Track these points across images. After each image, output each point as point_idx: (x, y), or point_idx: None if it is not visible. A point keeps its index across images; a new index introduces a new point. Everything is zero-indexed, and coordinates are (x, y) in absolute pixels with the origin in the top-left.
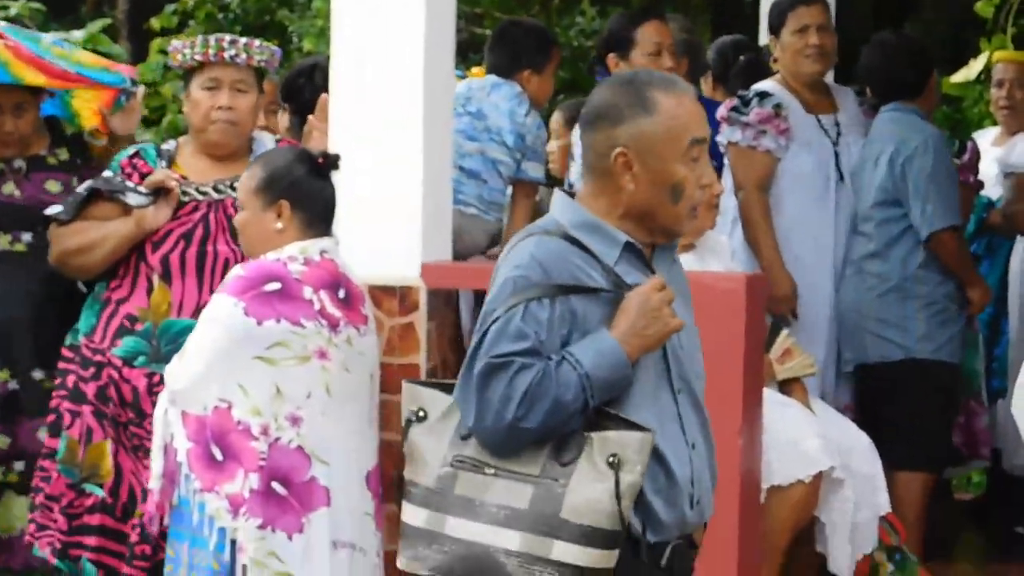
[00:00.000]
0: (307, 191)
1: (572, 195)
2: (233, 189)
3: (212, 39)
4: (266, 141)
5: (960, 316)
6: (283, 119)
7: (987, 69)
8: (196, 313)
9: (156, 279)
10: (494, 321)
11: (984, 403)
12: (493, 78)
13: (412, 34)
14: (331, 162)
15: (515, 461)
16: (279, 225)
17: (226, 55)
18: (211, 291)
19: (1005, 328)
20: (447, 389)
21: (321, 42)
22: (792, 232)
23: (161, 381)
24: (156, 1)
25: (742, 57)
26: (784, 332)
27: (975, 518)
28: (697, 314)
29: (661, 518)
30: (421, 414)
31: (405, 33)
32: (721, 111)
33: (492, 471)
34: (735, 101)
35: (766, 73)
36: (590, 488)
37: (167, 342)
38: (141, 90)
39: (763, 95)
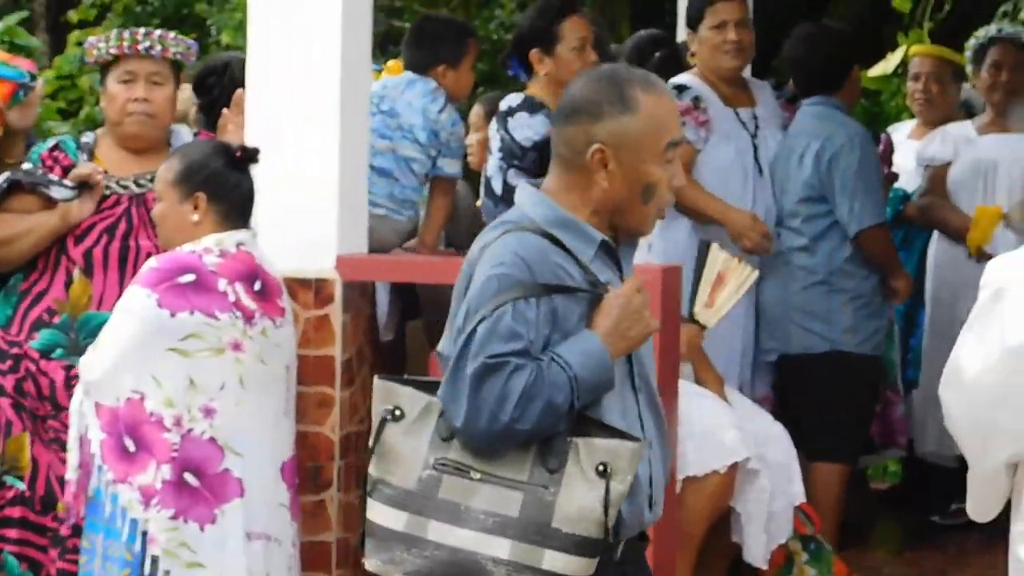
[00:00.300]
0: (224, 184)
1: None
2: (153, 183)
3: (127, 32)
4: (184, 134)
5: (884, 308)
6: (192, 113)
7: (904, 63)
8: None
9: (77, 272)
10: (481, 320)
11: (900, 393)
12: (408, 75)
13: (328, 27)
14: (249, 155)
15: (500, 466)
16: (195, 217)
17: (140, 47)
18: None
19: (921, 320)
20: (422, 387)
21: (239, 35)
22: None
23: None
24: None
25: (658, 53)
26: (714, 247)
27: (891, 507)
28: None
29: (624, 518)
30: (397, 413)
31: (321, 26)
32: None
33: (478, 476)
34: None
35: (682, 68)
36: (581, 497)
37: (86, 335)
38: (40, 84)
39: (681, 88)
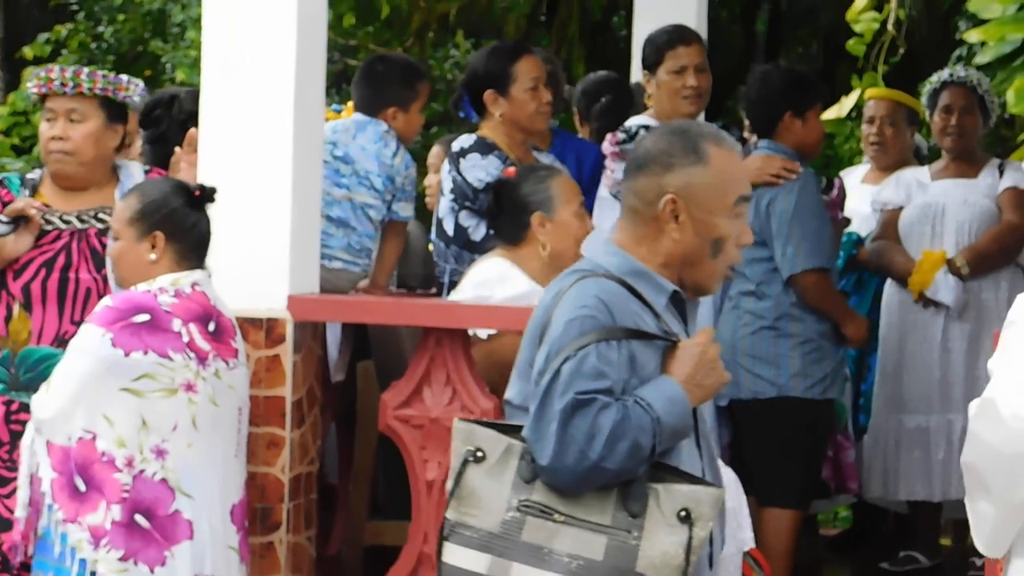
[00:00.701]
0: (182, 223)
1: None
2: (96, 219)
3: (43, 71)
4: (133, 170)
5: (836, 352)
6: (137, 146)
7: (859, 106)
8: (56, 341)
9: (17, 307)
10: (565, 360)
11: (851, 437)
12: (358, 117)
13: (282, 67)
14: (207, 194)
15: (583, 509)
16: (153, 256)
17: (54, 85)
18: (72, 320)
19: (872, 364)
20: (503, 429)
21: (194, 72)
22: None
23: (20, 409)
24: (29, 30)
25: (604, 97)
26: None
27: (840, 553)
28: None
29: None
30: (480, 454)
31: (275, 65)
32: (607, 148)
33: (561, 518)
34: (620, 135)
35: (629, 110)
36: (664, 542)
37: (26, 370)
38: None
39: (648, 128)
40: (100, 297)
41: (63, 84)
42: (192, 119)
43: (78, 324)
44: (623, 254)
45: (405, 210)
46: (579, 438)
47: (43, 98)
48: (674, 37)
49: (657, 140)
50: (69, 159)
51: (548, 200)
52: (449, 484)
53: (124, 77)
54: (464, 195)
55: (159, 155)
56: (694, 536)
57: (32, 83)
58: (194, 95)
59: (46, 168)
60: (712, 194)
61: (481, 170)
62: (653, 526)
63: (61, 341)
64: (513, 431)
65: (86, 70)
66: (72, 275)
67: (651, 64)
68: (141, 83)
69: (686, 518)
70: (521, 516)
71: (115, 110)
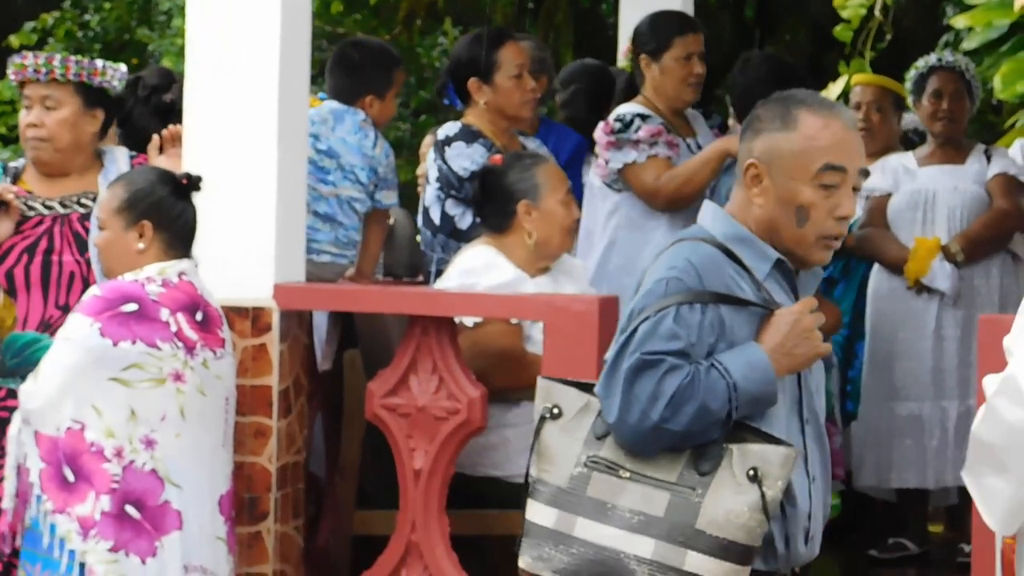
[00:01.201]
0: (169, 212)
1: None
2: (79, 204)
3: (19, 58)
4: (118, 155)
5: None
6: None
7: (846, 93)
8: (40, 326)
9: (1, 294)
10: (644, 319)
11: (838, 425)
12: (334, 106)
13: (267, 54)
14: (193, 183)
15: (652, 466)
16: (140, 246)
17: (28, 72)
18: (57, 303)
19: (860, 351)
20: (582, 388)
21: (180, 60)
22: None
23: (8, 395)
24: (16, 18)
25: (573, 86)
26: None
27: (828, 541)
28: (551, 335)
29: (776, 547)
30: (556, 411)
31: (260, 53)
32: (601, 137)
33: (627, 474)
34: (615, 124)
35: (598, 101)
36: (729, 500)
37: (12, 355)
38: None
39: (644, 116)
40: (84, 280)
41: (36, 71)
42: (156, 93)
43: (63, 308)
44: (730, 220)
45: (388, 198)
46: (642, 398)
47: (21, 85)
48: (684, 24)
49: (759, 107)
50: (45, 145)
51: (534, 188)
52: (531, 442)
53: (100, 62)
54: (450, 183)
55: (131, 136)
56: (766, 495)
57: (10, 70)
58: (161, 72)
59: (26, 155)
60: (791, 159)
61: (466, 159)
62: (719, 484)
63: (46, 325)
64: (594, 389)
65: (59, 56)
66: (55, 259)
67: (654, 50)
68: (122, 67)
69: (754, 477)
70: (588, 472)
71: (92, 96)
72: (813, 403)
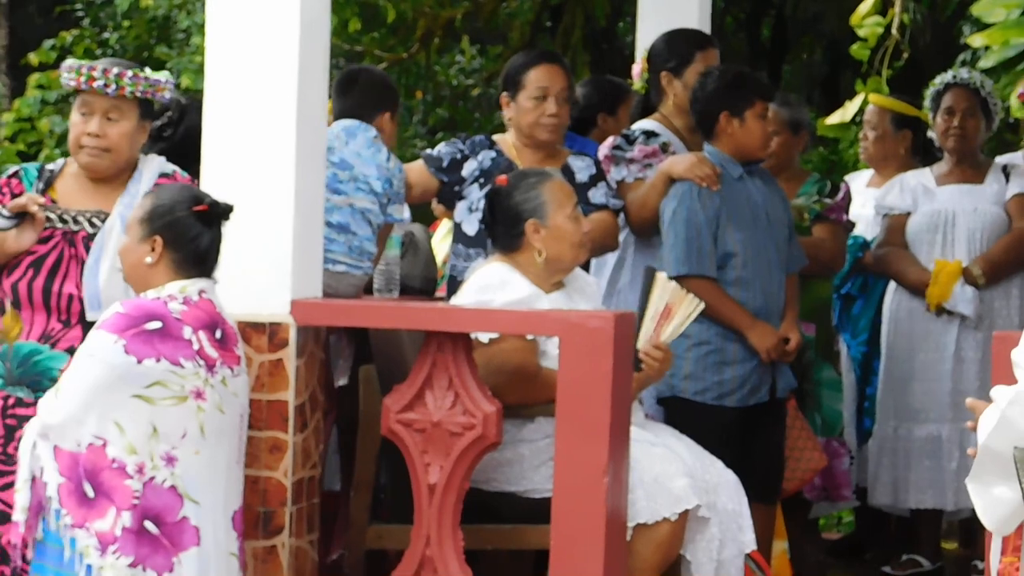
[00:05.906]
0: (184, 233)
1: None
2: (89, 223)
3: (85, 67)
4: (151, 165)
5: (748, 361)
6: None
7: (862, 111)
8: (42, 338)
9: (8, 303)
10: None
11: (846, 444)
12: (346, 123)
13: (285, 72)
14: (216, 211)
15: None
16: (149, 260)
17: (96, 84)
18: (59, 319)
19: (877, 368)
20: None
21: (199, 78)
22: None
23: (16, 404)
24: (35, 36)
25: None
26: (660, 276)
27: (843, 557)
28: (566, 351)
29: None
30: None
31: (278, 70)
32: (603, 151)
33: None
34: (618, 139)
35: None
36: None
37: (17, 364)
38: None
39: (650, 134)
40: (82, 302)
41: (106, 85)
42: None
43: (64, 323)
44: None
45: (399, 212)
46: None
47: (75, 91)
48: (703, 39)
49: None
50: (105, 155)
51: (540, 206)
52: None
53: (162, 78)
54: (439, 160)
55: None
56: None
57: (70, 75)
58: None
59: (74, 159)
60: None
61: (456, 153)
62: None
63: (47, 338)
64: None
65: (129, 72)
66: (56, 286)
67: (676, 66)
68: (172, 80)
69: None
70: None
71: (147, 108)
72: None
